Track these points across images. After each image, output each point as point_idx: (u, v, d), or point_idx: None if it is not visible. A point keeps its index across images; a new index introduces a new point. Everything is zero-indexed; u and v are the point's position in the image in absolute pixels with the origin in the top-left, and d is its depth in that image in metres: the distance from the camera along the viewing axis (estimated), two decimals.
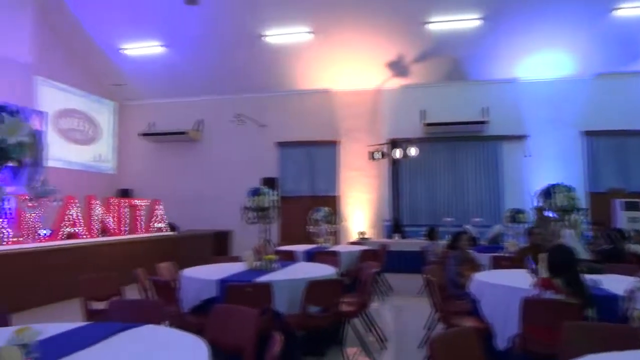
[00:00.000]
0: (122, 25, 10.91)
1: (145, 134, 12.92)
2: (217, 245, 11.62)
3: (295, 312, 3.71)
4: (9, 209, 7.05)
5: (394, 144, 11.13)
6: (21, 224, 7.19)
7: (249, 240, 9.02)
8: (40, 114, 9.64)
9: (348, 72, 11.53)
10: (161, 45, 11.35)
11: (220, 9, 10.23)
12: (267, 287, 3.63)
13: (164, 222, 10.54)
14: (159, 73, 12.12)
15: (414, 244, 9.37)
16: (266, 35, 10.80)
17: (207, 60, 11.61)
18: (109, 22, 10.86)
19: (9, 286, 6.13)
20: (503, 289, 3.60)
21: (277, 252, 5.90)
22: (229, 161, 12.63)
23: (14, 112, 1.80)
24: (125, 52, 11.64)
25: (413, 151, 10.55)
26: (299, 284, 3.75)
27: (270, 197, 7.45)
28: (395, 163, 11.51)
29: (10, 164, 1.86)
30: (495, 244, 8.50)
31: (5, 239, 6.81)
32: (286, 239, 10.76)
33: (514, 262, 5.43)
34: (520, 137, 11.16)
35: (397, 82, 11.69)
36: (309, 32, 10.60)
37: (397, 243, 10.02)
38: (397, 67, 11.28)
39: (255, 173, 12.02)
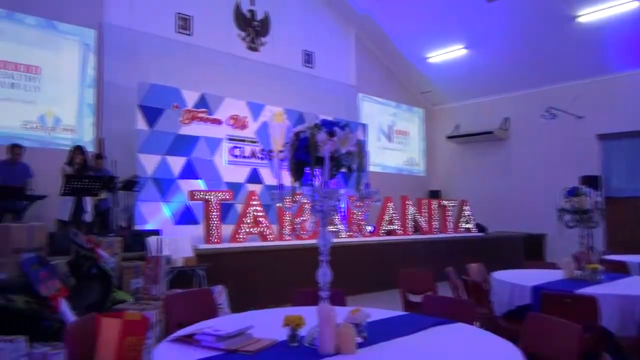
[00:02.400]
0: (426, 36, 11.51)
1: (451, 137, 13.24)
2: (529, 249, 10.85)
3: (631, 334, 3.11)
4: (342, 208, 8.39)
5: None
6: (351, 221, 8.44)
7: (566, 246, 8.07)
8: (363, 126, 11.13)
9: None
10: (464, 48, 11.44)
11: None
12: (591, 300, 3.17)
13: (472, 222, 10.54)
14: (462, 75, 12.24)
15: None
16: (580, 15, 9.52)
17: (512, 55, 11.05)
18: (415, 36, 11.63)
19: (343, 273, 7.23)
20: None
21: (603, 262, 5.09)
22: (539, 159, 11.66)
23: (343, 126, 2.10)
24: (430, 60, 12.22)
25: None
26: (635, 302, 3.13)
27: (592, 198, 6.49)
28: None
29: (342, 170, 2.19)
30: None
31: (341, 233, 8.14)
32: (613, 246, 9.17)
33: None
34: None
35: None
36: None
37: None
38: None
39: (571, 171, 10.69)
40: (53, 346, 2.94)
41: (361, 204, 2.22)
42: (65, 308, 3.15)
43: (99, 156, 7.10)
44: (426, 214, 9.75)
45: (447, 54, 11.81)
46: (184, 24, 9.11)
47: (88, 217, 6.21)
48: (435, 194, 12.95)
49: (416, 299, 4.16)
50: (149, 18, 8.57)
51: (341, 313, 2.05)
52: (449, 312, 2.65)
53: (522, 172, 11.96)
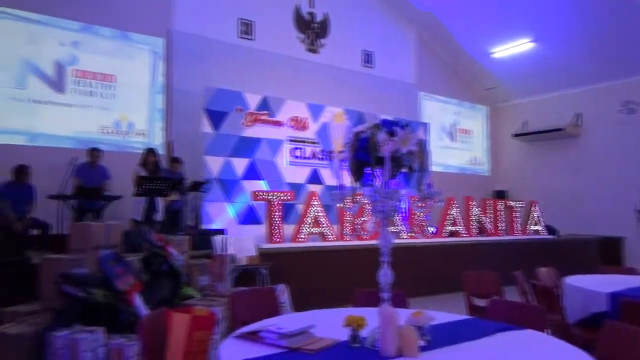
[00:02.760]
0: (490, 30, 11.10)
1: (518, 134, 12.68)
2: (604, 253, 10.17)
3: None
4: (404, 209, 8.27)
5: None
6: (412, 222, 8.30)
7: None
8: (424, 125, 10.92)
9: None
10: (530, 42, 10.92)
11: None
12: None
13: (541, 224, 10.04)
14: (529, 70, 11.68)
15: None
16: None
17: (583, 47, 10.41)
18: (478, 30, 11.25)
19: (405, 274, 7.11)
20: None
21: None
22: (615, 157, 10.89)
23: (404, 126, 2.07)
24: (495, 55, 11.77)
25: None
26: None
27: None
28: None
29: (403, 170, 2.16)
30: None
31: (402, 234, 8.04)
32: None
33: None
34: None
35: None
36: None
37: None
38: None
39: None
40: (128, 338, 3.12)
41: (423, 205, 2.17)
42: (139, 302, 3.33)
43: (175, 160, 7.41)
44: (491, 215, 9.41)
45: (512, 48, 11.33)
46: (246, 29, 9.36)
47: (159, 216, 6.52)
48: (500, 194, 12.46)
49: (481, 302, 4.02)
50: (213, 25, 8.90)
51: (403, 315, 2.02)
52: (517, 318, 2.54)
53: (595, 171, 11.23)
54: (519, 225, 9.78)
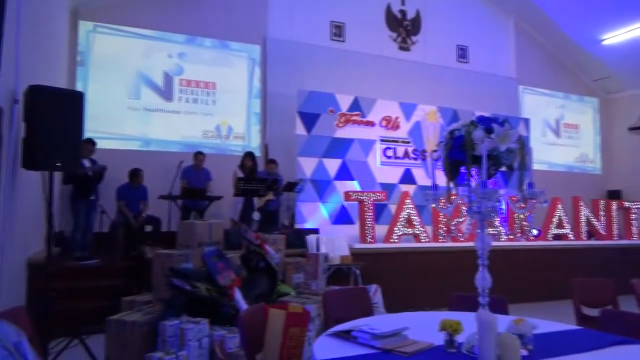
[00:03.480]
0: (600, 15, 10.13)
1: (634, 128, 11.43)
2: None
3: None
4: (503, 209, 7.85)
5: None
6: (513, 224, 7.84)
7: None
8: (525, 121, 10.27)
9: None
10: None
11: None
12: None
13: None
14: None
15: None
16: None
17: None
18: (586, 17, 10.32)
19: (505, 279, 6.75)
20: None
21: None
22: None
23: (502, 122, 1.97)
24: (606, 42, 10.73)
25: None
26: None
27: None
28: None
29: (501, 169, 2.05)
30: None
31: (501, 236, 7.63)
32: None
33: None
34: None
35: None
36: None
37: None
38: None
39: None
40: (230, 330, 3.30)
41: (524, 206, 2.05)
42: (239, 297, 3.51)
43: (271, 161, 7.71)
44: (604, 217, 8.59)
45: (627, 33, 10.25)
46: (338, 31, 9.47)
47: (256, 216, 6.83)
48: (614, 195, 11.34)
49: (592, 312, 3.69)
50: (306, 29, 9.12)
51: (503, 322, 1.92)
52: (635, 331, 2.30)
53: None
54: (636, 229, 8.82)
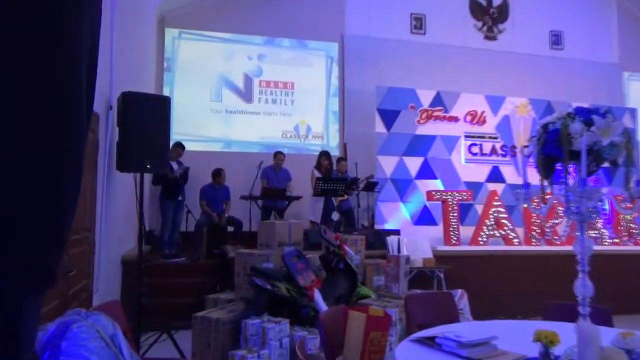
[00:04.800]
0: None
1: None
2: None
3: None
4: (606, 210, 7.26)
5: None
6: (618, 226, 7.23)
7: None
8: (632, 111, 9.41)
9: None
10: None
11: None
12: None
13: None
14: None
15: None
16: None
17: None
18: None
19: (609, 287, 6.24)
20: None
21: None
22: None
23: (604, 113, 1.82)
24: None
25: None
26: None
27: None
28: None
29: (603, 165, 1.89)
30: None
31: (604, 240, 7.06)
32: None
33: None
34: None
35: None
36: None
37: None
38: None
39: None
40: (310, 331, 3.36)
41: (631, 206, 1.88)
42: (318, 298, 3.55)
43: (341, 159, 7.79)
44: None
45: None
46: (418, 23, 9.29)
47: (335, 216, 6.88)
48: None
49: None
50: (384, 23, 9.05)
51: (607, 335, 1.77)
52: None
53: None
54: None
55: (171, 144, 5.65)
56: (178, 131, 7.60)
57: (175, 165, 6.46)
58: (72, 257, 3.23)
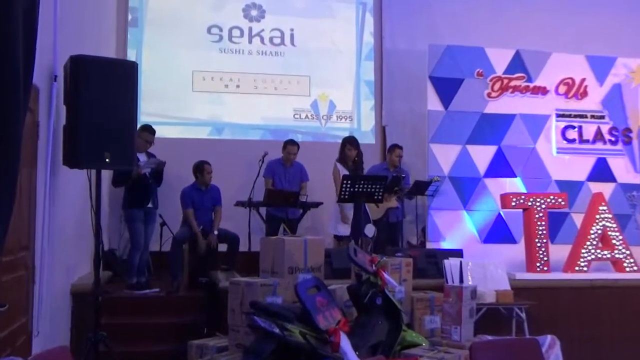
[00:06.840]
0: None
1: None
2: None
3: None
4: None
5: None
6: None
7: None
8: None
9: None
10: None
11: None
12: None
13: None
14: None
15: None
16: None
17: None
18: None
19: None
20: None
21: None
22: None
23: None
24: None
25: None
26: None
27: None
28: None
29: None
30: None
31: None
32: None
33: None
34: None
35: None
36: None
37: None
38: None
39: None
40: None
41: None
42: (347, 346, 3.56)
43: (396, 147, 7.68)
44: None
45: None
46: None
47: (370, 230, 6.87)
48: None
49: None
50: None
51: None
52: None
53: None
54: None
55: (138, 128, 5.70)
56: (148, 110, 7.70)
57: (143, 158, 6.49)
58: (3, 287, 3.29)
